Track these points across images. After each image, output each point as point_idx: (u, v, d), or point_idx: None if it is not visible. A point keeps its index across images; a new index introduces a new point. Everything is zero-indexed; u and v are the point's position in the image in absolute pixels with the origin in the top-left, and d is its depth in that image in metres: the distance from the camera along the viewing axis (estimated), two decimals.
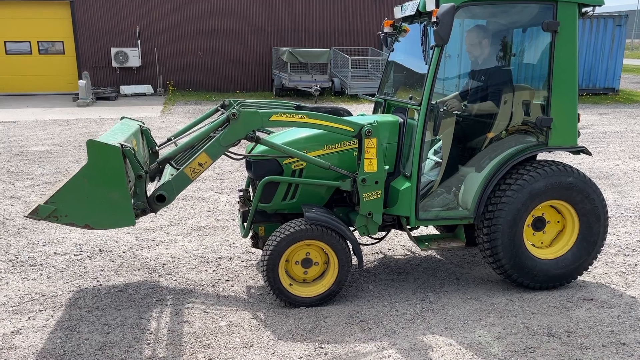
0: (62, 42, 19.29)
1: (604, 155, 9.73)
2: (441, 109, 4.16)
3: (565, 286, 4.47)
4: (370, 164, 4.04)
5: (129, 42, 19.12)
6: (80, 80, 16.63)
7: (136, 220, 3.84)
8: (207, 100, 17.64)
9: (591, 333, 3.79)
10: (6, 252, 5.18)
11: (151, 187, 4.15)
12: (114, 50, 18.74)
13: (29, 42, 19.13)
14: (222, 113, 4.68)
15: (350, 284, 4.53)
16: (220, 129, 4.05)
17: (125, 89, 18.77)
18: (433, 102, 4.10)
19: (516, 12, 4.42)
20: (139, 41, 19.10)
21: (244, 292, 4.39)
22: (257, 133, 4.04)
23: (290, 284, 4.09)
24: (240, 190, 4.82)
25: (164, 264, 4.93)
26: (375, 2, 20.86)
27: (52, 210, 3.56)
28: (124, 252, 5.22)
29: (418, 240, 4.48)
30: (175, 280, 4.61)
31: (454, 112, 4.55)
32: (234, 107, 4.56)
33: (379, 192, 4.11)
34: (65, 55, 19.37)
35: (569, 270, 4.37)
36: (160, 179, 4.32)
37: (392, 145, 4.35)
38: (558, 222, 4.42)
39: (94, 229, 3.80)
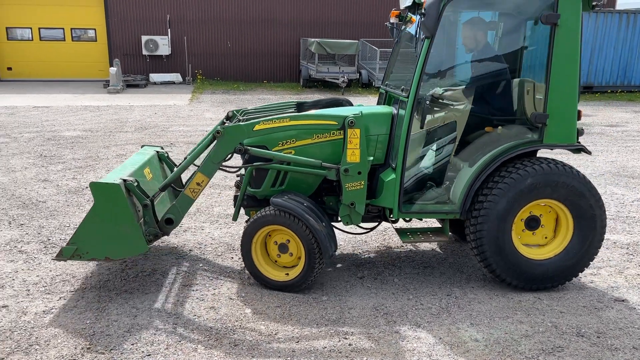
0: (95, 29, 19.62)
1: (639, 154, 9.46)
2: (427, 102, 4.10)
3: (595, 286, 4.38)
4: (353, 154, 4.06)
5: (159, 30, 19.33)
6: (111, 68, 16.89)
7: (149, 245, 4.10)
8: (234, 90, 17.73)
9: (622, 334, 3.70)
10: (39, 233, 5.31)
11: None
12: (144, 38, 18.97)
13: (63, 29, 19.51)
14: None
15: (375, 277, 4.52)
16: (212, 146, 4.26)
17: (154, 77, 19.00)
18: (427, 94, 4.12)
19: (515, 4, 4.29)
20: (169, 30, 19.28)
21: None
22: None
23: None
24: (238, 176, 4.89)
25: (190, 250, 4.99)
26: None
27: (74, 250, 3.93)
28: None
29: (401, 232, 4.50)
30: (202, 266, 4.66)
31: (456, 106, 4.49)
32: (237, 118, 4.73)
33: (362, 182, 4.12)
34: (97, 43, 19.71)
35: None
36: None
37: (384, 137, 4.34)
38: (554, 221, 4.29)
39: (114, 260, 4.16)
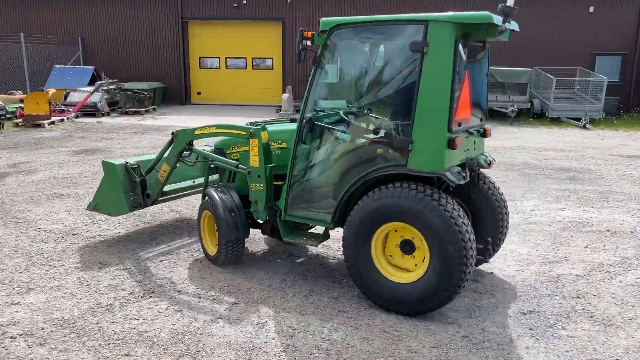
0: (272, 58, 21.27)
1: None
2: (304, 121, 4.48)
3: None
4: (254, 160, 4.83)
5: None
6: (284, 94, 18.08)
7: (134, 212, 5.99)
8: None
9: None
10: None
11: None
12: None
13: (245, 58, 21.49)
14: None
15: (545, 329, 4.05)
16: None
17: (320, 103, 19.90)
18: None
19: (393, 33, 4.31)
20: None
21: (423, 317, 4.21)
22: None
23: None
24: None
25: (345, 276, 4.99)
26: (586, 18, 18.98)
27: (94, 205, 5.86)
28: (310, 257, 5.43)
29: (285, 230, 4.83)
30: (357, 294, 4.62)
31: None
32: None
33: (262, 185, 4.81)
34: (273, 71, 21.33)
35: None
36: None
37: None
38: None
39: (113, 216, 6.06)
